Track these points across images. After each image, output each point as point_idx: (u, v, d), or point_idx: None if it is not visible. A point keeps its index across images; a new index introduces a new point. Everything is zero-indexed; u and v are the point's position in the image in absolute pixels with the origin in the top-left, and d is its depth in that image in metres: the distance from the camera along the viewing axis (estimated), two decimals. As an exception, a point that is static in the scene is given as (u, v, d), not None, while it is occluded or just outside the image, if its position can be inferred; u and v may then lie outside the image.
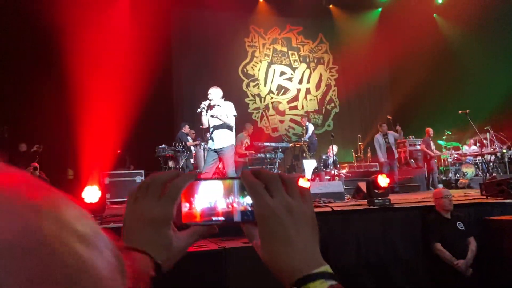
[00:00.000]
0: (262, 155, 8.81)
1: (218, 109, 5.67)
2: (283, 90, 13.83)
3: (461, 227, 4.20)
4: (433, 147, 9.83)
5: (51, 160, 9.08)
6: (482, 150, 9.39)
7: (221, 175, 9.14)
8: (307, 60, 14.26)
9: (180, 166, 8.81)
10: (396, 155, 9.19)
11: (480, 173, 9.56)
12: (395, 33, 13.30)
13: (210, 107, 5.68)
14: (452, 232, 4.17)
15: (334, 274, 0.50)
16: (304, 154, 10.60)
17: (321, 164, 9.24)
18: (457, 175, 10.09)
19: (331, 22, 14.04)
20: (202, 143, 9.03)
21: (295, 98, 13.96)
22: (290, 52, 14.02)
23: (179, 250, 0.59)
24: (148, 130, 9.84)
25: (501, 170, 9.58)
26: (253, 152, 8.60)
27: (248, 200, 0.59)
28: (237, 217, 0.60)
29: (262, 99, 13.51)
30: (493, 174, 8.62)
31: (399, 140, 9.90)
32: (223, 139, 5.69)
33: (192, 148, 9.01)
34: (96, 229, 0.32)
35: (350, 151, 12.21)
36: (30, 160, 8.25)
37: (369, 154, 11.66)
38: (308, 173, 9.26)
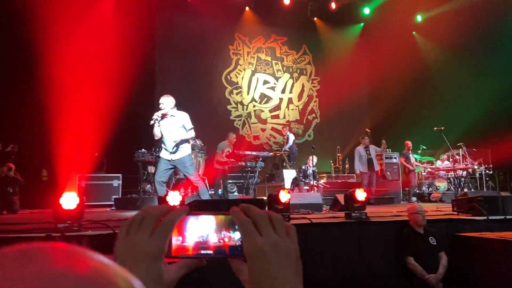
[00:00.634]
0: (243, 163, 8.84)
1: (172, 119, 5.57)
2: (265, 98, 13.94)
3: (433, 242, 4.34)
4: (412, 160, 10.04)
5: (26, 160, 8.86)
6: (455, 165, 9.69)
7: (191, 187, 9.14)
8: (290, 70, 14.44)
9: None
10: (377, 168, 9.35)
11: (452, 188, 9.86)
12: (376, 48, 13.64)
13: (162, 117, 5.56)
14: (425, 246, 4.31)
15: None
16: (284, 164, 10.69)
17: (301, 175, 9.34)
18: (430, 189, 10.38)
19: (315, 34, 14.27)
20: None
21: (277, 107, 14.10)
22: (274, 62, 14.17)
23: (169, 283, 0.60)
24: (128, 134, 9.74)
25: (472, 185, 9.91)
26: (234, 160, 8.63)
27: (238, 235, 0.62)
28: (227, 252, 0.63)
29: (245, 107, 13.58)
30: (465, 190, 8.91)
31: (377, 153, 10.11)
32: (181, 150, 5.60)
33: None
34: None
35: (328, 161, 12.37)
36: (5, 160, 8.05)
37: (347, 166, 11.85)
38: (288, 183, 9.35)
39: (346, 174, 11.57)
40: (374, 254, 4.47)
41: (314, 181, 9.03)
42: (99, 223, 4.04)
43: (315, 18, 14.00)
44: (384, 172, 9.88)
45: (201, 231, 0.63)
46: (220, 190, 9.06)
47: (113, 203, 8.38)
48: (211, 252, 0.63)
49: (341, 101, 14.41)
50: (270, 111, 13.97)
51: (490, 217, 4.79)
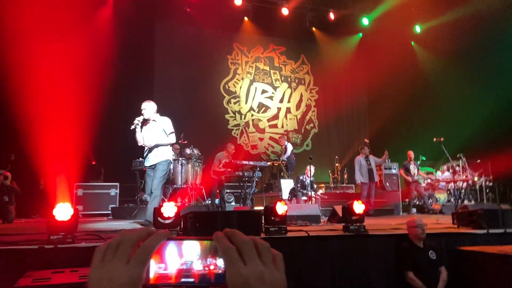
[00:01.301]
0: (240, 173, 8.79)
1: (153, 124, 5.50)
2: (263, 108, 13.93)
3: (433, 257, 4.27)
4: (414, 170, 9.91)
5: (23, 169, 8.80)
6: (455, 177, 9.64)
7: (197, 192, 9.07)
8: (289, 80, 14.45)
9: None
10: (376, 179, 9.29)
11: (452, 199, 9.80)
12: (375, 58, 13.68)
13: (145, 122, 5.50)
14: (424, 261, 4.24)
15: None
16: (281, 174, 10.64)
17: (298, 185, 9.28)
18: (430, 200, 10.31)
19: (313, 44, 14.31)
20: (180, 159, 8.96)
21: (275, 117, 14.08)
22: (272, 71, 14.19)
23: None
24: (126, 142, 9.69)
25: (472, 197, 9.85)
26: (231, 170, 8.58)
27: (222, 262, 0.58)
28: (212, 280, 0.58)
29: (243, 116, 13.56)
30: (465, 202, 8.85)
31: (376, 164, 10.06)
32: (159, 154, 5.47)
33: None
34: None
35: (327, 172, 12.33)
36: (1, 168, 7.98)
37: (345, 176, 11.80)
38: (285, 193, 9.29)
39: (344, 185, 11.52)
40: (373, 267, 4.40)
41: (312, 192, 8.98)
42: (93, 234, 3.98)
43: (314, 28, 14.06)
44: (383, 183, 9.82)
45: (186, 257, 0.59)
46: (217, 199, 8.99)
47: (110, 212, 8.31)
48: (193, 280, 0.58)
49: (340, 111, 14.44)
50: (268, 120, 13.95)
51: (490, 231, 4.73)
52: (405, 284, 4.22)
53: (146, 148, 5.56)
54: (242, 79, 13.71)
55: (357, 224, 4.61)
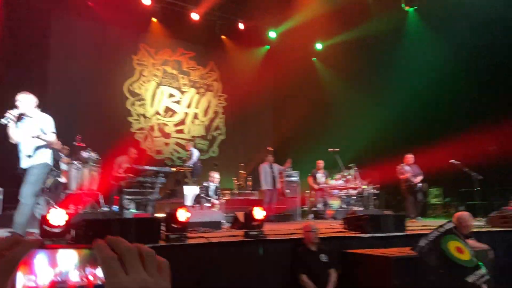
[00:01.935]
0: (142, 178, 8.44)
1: (29, 120, 4.77)
2: (170, 112, 13.64)
3: (325, 259, 4.57)
4: (322, 179, 10.47)
5: None
6: (347, 184, 10.46)
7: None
8: (197, 85, 14.38)
9: (48, 186, 7.93)
10: (278, 186, 9.66)
11: (344, 206, 10.61)
12: (280, 71, 14.33)
13: (19, 117, 4.70)
14: (316, 264, 4.51)
15: None
16: (186, 180, 10.48)
17: (203, 191, 9.23)
18: (325, 207, 11.01)
19: (222, 52, 14.46)
20: (74, 161, 8.32)
21: (182, 122, 13.88)
22: (180, 76, 13.98)
23: None
24: (10, 144, 8.72)
25: (361, 204, 10.77)
26: (132, 175, 8.20)
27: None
28: None
29: (148, 120, 13.11)
30: (354, 208, 9.65)
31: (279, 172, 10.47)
32: (35, 156, 4.75)
33: (64, 166, 8.21)
34: None
35: (232, 178, 12.46)
36: None
37: (249, 183, 12.05)
38: (189, 200, 9.17)
39: (248, 191, 11.75)
40: (271, 272, 4.55)
41: (216, 198, 8.99)
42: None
43: (223, 36, 14.22)
44: (284, 190, 10.25)
45: (60, 267, 0.54)
46: (115, 206, 8.52)
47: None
48: None
49: (247, 119, 14.77)
50: (175, 125, 13.69)
51: (375, 234, 5.22)
52: (299, 287, 4.44)
53: (19, 147, 4.83)
54: (149, 81, 13.28)
55: (257, 230, 4.74)
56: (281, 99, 15.06)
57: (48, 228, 3.70)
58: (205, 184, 9.30)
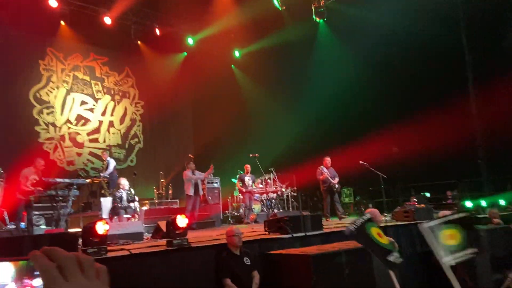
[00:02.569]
0: (53, 192, 7.85)
1: None
2: (83, 120, 12.86)
3: (248, 262, 4.69)
4: (249, 182, 10.57)
5: None
6: (267, 188, 10.78)
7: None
8: (112, 92, 13.77)
9: None
10: (201, 193, 9.62)
11: (265, 209, 10.91)
12: (199, 78, 14.31)
13: None
14: (240, 267, 4.62)
15: None
16: (102, 191, 9.98)
17: (118, 201, 8.80)
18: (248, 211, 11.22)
19: (139, 58, 14.04)
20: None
21: (97, 130, 13.17)
22: (93, 82, 13.27)
23: None
24: None
25: (281, 206, 11.17)
26: (41, 189, 7.59)
27: (41, 282, 0.56)
28: None
29: (57, 129, 12.22)
30: (275, 211, 9.98)
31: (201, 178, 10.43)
32: None
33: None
34: None
35: (151, 187, 12.13)
36: None
37: (170, 191, 11.83)
38: (106, 212, 8.74)
39: (169, 200, 11.53)
40: (196, 279, 4.55)
41: (133, 206, 8.66)
42: None
43: (139, 42, 13.83)
44: (206, 197, 10.25)
45: None
46: (23, 223, 7.83)
47: None
48: None
49: (166, 126, 14.50)
50: (88, 134, 12.94)
51: (294, 235, 5.48)
52: (224, 291, 4.50)
53: None
54: (57, 87, 12.40)
55: (181, 238, 4.71)
56: (200, 105, 15.04)
57: None
58: (117, 193, 8.90)
